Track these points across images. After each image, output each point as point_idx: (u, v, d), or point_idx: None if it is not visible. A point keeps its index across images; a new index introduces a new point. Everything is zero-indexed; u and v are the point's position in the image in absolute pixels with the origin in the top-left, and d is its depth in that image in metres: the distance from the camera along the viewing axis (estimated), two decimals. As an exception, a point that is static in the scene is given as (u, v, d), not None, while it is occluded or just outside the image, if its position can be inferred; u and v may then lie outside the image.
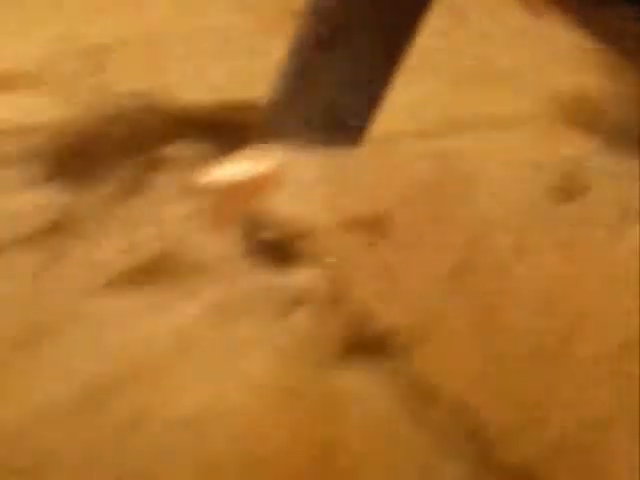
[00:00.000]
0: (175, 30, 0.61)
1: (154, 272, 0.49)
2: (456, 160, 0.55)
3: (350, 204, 0.51)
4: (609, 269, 0.52)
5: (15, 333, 0.44)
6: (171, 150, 0.54)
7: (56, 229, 0.48)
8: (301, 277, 0.50)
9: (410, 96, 0.58)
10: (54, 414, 0.41)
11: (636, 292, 0.49)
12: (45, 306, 0.45)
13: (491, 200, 0.53)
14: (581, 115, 0.63)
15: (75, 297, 0.46)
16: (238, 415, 0.43)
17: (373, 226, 0.50)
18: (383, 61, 0.57)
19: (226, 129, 0.56)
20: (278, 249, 0.51)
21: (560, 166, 0.58)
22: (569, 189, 0.57)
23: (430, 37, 0.54)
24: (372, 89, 0.56)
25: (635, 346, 0.47)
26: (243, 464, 0.41)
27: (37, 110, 0.52)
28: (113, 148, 0.53)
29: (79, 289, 0.47)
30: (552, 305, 0.47)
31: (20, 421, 0.41)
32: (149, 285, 0.48)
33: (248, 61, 0.59)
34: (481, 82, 0.64)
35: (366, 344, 0.47)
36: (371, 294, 0.49)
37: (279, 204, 0.51)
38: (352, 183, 0.52)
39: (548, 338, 0.46)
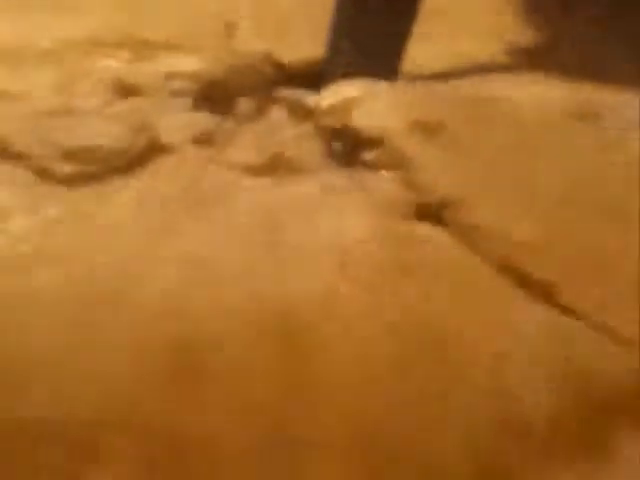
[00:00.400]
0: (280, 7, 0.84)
1: (274, 167, 0.68)
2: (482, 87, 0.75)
3: (410, 115, 0.70)
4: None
5: (188, 198, 0.64)
6: (281, 91, 0.75)
7: (204, 139, 0.69)
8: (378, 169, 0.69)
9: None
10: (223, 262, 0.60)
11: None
12: (207, 182, 0.65)
13: (521, 116, 0.72)
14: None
15: (227, 178, 0.66)
16: (351, 247, 0.62)
17: (430, 128, 0.69)
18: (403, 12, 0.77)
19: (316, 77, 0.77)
20: (361, 150, 0.70)
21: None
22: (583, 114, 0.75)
23: None
24: (399, 35, 0.76)
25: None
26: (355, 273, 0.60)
27: (187, 63, 0.74)
28: (241, 88, 0.74)
29: (228, 174, 0.66)
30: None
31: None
32: (272, 175, 0.68)
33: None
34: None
35: (432, 208, 0.66)
36: (432, 174, 0.67)
37: (360, 119, 0.71)
38: (409, 102, 0.72)
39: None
